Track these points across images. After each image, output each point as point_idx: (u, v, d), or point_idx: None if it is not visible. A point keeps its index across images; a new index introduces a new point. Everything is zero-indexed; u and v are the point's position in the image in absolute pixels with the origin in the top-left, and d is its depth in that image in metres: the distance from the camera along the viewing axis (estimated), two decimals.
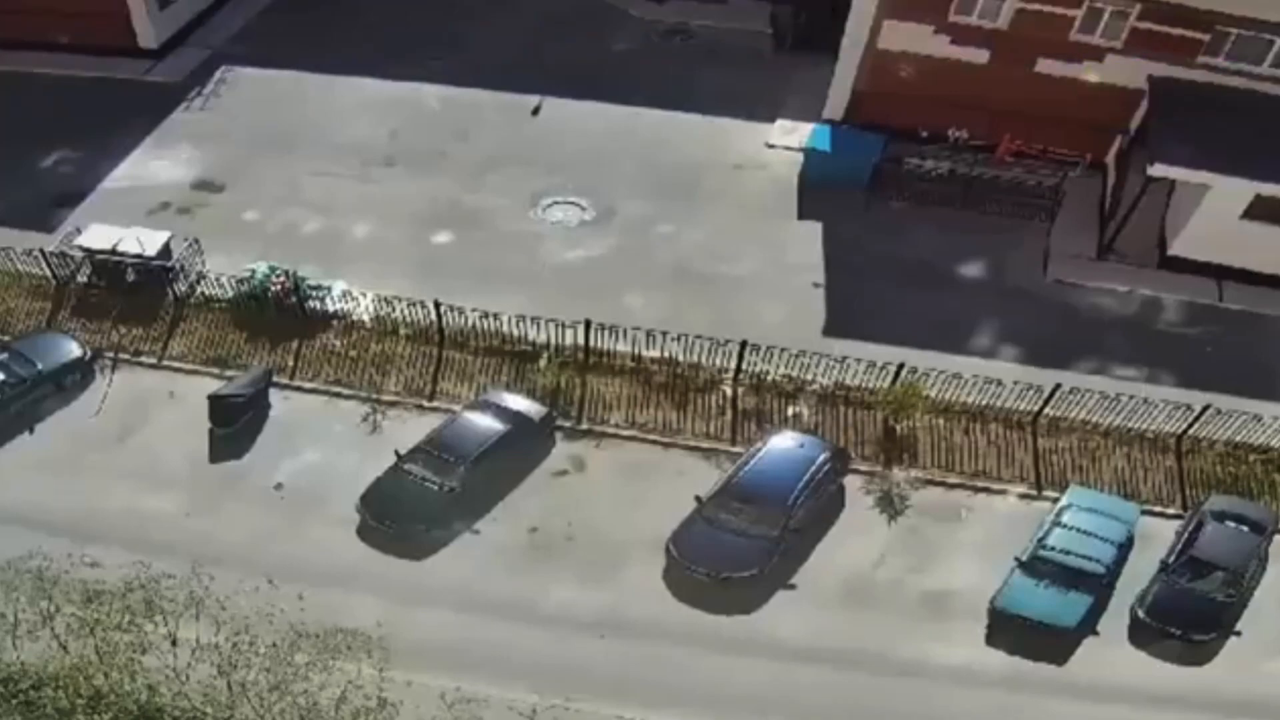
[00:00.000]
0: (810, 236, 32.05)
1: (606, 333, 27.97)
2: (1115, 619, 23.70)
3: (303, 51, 37.99)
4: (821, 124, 34.66)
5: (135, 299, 29.67)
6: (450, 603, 23.81)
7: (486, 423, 26.21)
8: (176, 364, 28.80)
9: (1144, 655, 23.30)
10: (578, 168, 34.16)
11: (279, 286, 29.09)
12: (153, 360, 28.90)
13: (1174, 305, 30.51)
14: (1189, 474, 26.50)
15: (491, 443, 25.74)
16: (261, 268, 29.50)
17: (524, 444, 26.27)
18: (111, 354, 28.86)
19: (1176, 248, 30.92)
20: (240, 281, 29.33)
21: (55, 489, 25.59)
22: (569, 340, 28.19)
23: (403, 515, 24.95)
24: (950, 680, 22.77)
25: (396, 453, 25.72)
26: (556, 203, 33.27)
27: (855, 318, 29.53)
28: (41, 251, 29.76)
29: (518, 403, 26.82)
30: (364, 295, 29.39)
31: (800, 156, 34.11)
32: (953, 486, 26.34)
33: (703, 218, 32.61)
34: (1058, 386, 26.73)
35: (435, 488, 25.09)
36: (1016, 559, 24.10)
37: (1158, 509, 25.80)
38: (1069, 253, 31.77)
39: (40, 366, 27.49)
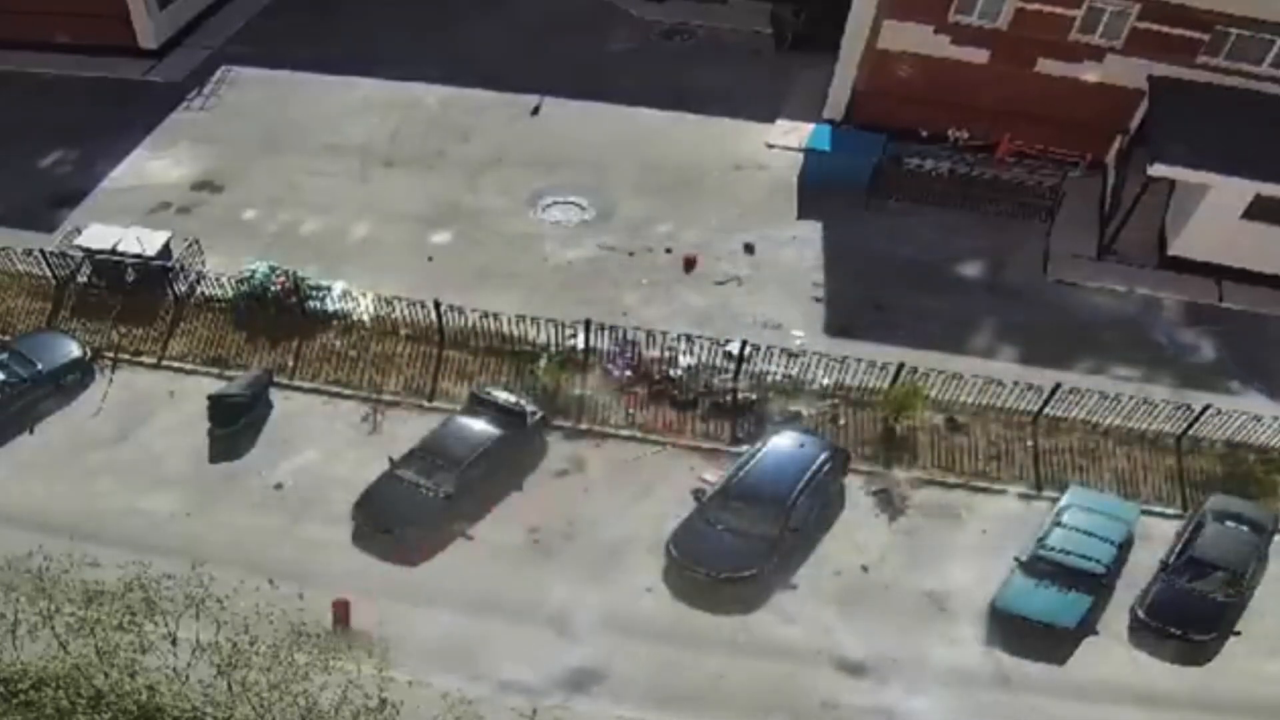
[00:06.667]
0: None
1: (606, 332, 27.99)
2: (1115, 619, 23.72)
3: (303, 51, 38.03)
4: (821, 124, 34.72)
5: (135, 299, 29.65)
6: (451, 603, 23.78)
7: (480, 426, 26.09)
8: (176, 364, 28.78)
9: (1144, 655, 23.28)
10: (578, 168, 34.15)
11: (279, 286, 29.10)
12: (152, 360, 28.88)
13: (1174, 305, 30.53)
14: (1189, 474, 26.47)
15: (485, 447, 25.62)
16: (261, 268, 29.48)
17: (518, 446, 26.16)
18: (111, 354, 28.85)
19: (1176, 248, 30.93)
20: (240, 281, 29.33)
21: (55, 488, 25.61)
22: (569, 340, 28.22)
23: (397, 521, 24.82)
24: (950, 680, 22.77)
25: (390, 459, 25.66)
26: (556, 203, 33.27)
27: (855, 317, 29.55)
28: (41, 251, 29.75)
29: (510, 403, 26.61)
30: (364, 295, 29.40)
31: (800, 156, 34.11)
32: (952, 487, 26.32)
33: (702, 218, 32.60)
34: (1058, 386, 26.73)
35: (430, 493, 24.99)
36: (1016, 559, 24.12)
37: (1158, 509, 25.80)
38: (1069, 253, 31.78)
39: (40, 366, 27.47)
